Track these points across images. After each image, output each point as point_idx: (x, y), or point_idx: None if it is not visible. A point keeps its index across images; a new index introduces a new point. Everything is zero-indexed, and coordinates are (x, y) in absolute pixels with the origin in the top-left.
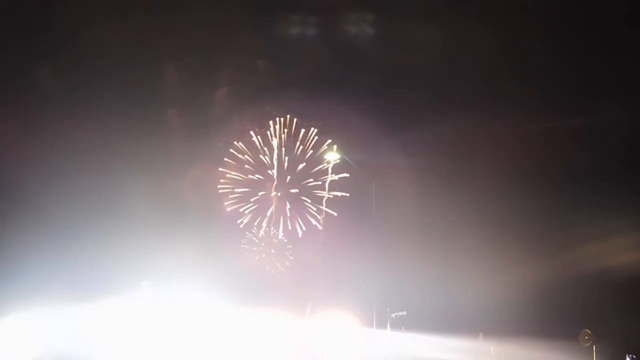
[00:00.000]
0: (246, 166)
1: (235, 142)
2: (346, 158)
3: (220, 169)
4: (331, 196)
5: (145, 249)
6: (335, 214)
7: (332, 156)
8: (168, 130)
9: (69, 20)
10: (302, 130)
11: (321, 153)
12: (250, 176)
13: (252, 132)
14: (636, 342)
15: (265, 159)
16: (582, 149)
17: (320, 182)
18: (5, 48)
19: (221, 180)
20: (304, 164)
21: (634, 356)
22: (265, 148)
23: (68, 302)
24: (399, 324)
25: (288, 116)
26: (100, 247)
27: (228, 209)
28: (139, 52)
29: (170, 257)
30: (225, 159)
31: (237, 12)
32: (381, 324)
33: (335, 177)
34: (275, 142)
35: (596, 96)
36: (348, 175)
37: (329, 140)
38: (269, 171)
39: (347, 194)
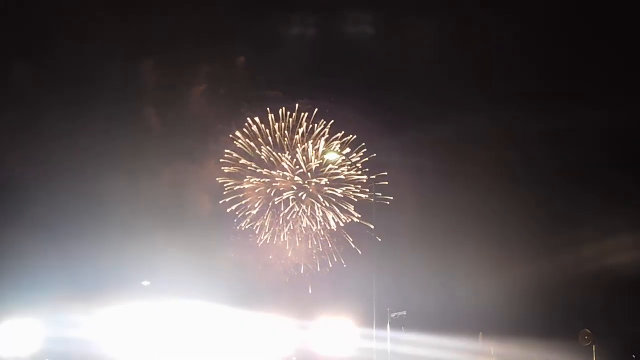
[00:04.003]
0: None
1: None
2: (346, 158)
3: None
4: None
5: (146, 249)
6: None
7: (332, 156)
8: (166, 132)
9: (51, 19)
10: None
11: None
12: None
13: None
14: (637, 342)
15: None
16: (583, 149)
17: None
18: None
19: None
20: (317, 161)
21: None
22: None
23: (68, 302)
24: (399, 324)
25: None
26: (100, 248)
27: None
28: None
29: (171, 258)
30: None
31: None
32: (381, 324)
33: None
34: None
35: (596, 96)
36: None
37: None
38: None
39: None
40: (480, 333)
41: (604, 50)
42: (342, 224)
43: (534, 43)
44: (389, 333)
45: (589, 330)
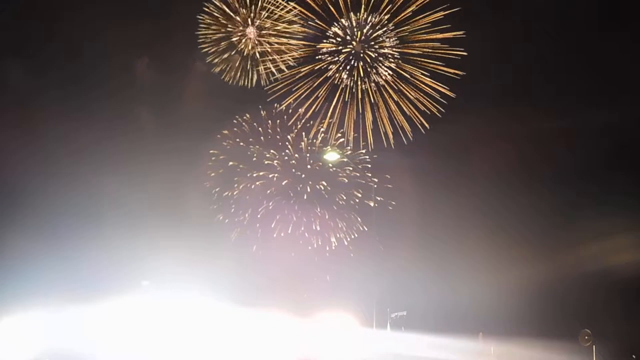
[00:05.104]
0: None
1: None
2: (346, 158)
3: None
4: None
5: (146, 249)
6: (365, 228)
7: (332, 156)
8: (164, 132)
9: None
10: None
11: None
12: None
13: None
14: (637, 342)
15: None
16: (583, 149)
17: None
18: None
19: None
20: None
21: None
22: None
23: (68, 302)
24: (399, 324)
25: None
26: (100, 247)
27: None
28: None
29: (169, 257)
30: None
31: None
32: (381, 324)
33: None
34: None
35: (597, 96)
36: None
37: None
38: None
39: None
40: (480, 333)
41: (604, 50)
42: (345, 242)
43: (534, 42)
44: (389, 333)
45: (589, 330)
